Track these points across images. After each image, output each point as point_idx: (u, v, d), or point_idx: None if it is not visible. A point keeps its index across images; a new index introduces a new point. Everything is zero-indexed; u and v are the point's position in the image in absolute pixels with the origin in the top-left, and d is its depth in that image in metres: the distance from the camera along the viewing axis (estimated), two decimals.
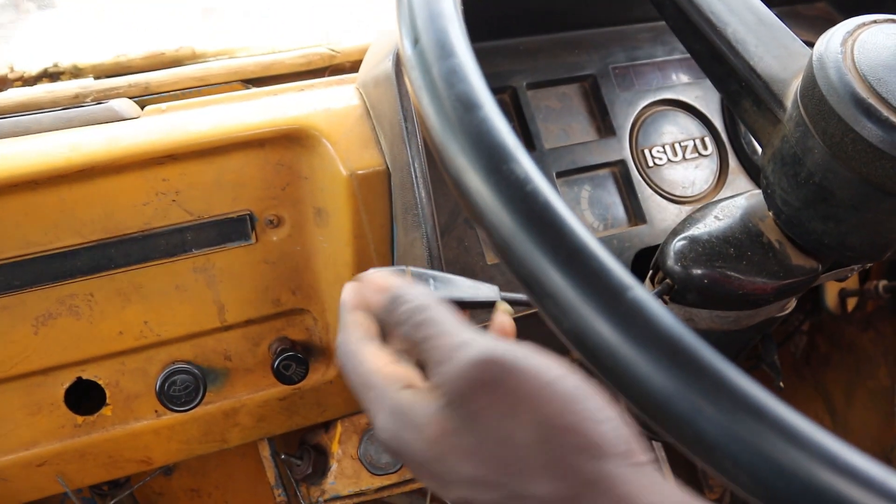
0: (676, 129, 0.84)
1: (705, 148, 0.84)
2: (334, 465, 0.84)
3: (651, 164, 0.81)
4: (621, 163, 0.80)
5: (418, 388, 0.38)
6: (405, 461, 0.39)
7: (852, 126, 0.50)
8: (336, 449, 0.85)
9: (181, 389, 0.71)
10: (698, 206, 0.86)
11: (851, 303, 1.10)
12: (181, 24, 1.03)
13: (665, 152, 0.82)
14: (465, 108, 0.39)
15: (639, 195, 0.79)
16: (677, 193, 0.82)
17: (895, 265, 1.09)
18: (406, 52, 0.44)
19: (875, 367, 1.23)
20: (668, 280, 0.66)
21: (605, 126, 0.82)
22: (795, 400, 1.37)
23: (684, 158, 0.83)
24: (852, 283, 1.10)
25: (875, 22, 0.57)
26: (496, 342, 0.36)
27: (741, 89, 0.64)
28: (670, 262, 0.64)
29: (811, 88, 0.53)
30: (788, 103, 0.59)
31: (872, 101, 0.50)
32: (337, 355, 0.42)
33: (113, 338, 0.72)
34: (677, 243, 0.65)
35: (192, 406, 0.71)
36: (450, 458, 0.36)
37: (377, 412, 0.39)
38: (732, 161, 0.85)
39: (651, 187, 0.80)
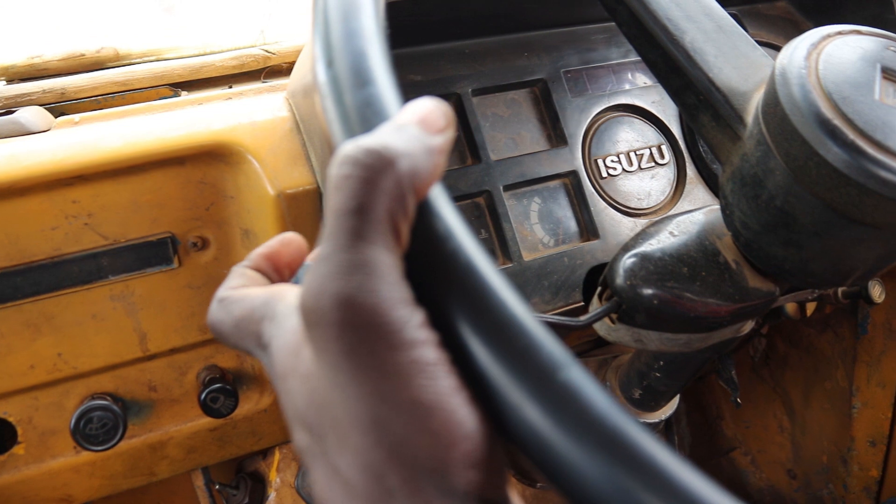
0: (632, 137, 0.80)
1: (662, 156, 0.80)
2: (272, 495, 0.79)
3: (605, 174, 0.77)
4: (573, 174, 0.75)
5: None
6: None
7: (816, 149, 0.46)
8: (274, 477, 0.80)
9: (98, 427, 0.65)
10: (654, 218, 0.82)
11: (811, 307, 1.07)
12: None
13: (619, 162, 0.78)
14: None
15: (591, 208, 0.75)
16: (632, 206, 0.78)
17: None
18: (319, 75, 0.38)
19: (833, 369, 1.22)
20: (615, 298, 0.62)
21: (556, 134, 0.77)
22: (754, 400, 1.35)
23: (640, 168, 0.79)
24: None
25: (840, 33, 0.53)
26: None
27: (699, 102, 0.60)
28: (619, 280, 0.61)
29: (773, 105, 0.49)
30: (749, 119, 0.56)
31: (838, 122, 0.46)
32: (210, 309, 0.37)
33: (23, 372, 0.66)
34: (627, 260, 0.61)
35: (110, 444, 0.66)
36: (289, 381, 0.31)
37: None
38: (690, 170, 0.81)
39: (604, 200, 0.76)
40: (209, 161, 0.65)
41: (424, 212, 0.32)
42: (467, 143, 0.73)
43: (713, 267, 0.61)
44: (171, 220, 0.66)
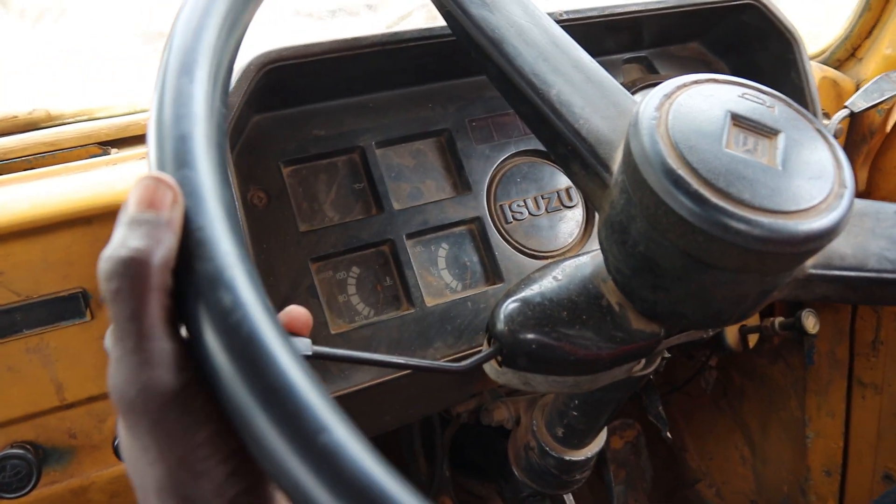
0: (539, 182, 0.82)
1: (570, 199, 0.83)
2: None
3: (511, 219, 0.79)
4: (477, 220, 0.78)
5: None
6: None
7: (663, 198, 0.48)
8: None
9: (11, 475, 0.68)
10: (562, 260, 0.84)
11: (753, 339, 1.09)
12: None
13: (526, 206, 0.80)
14: (187, 230, 0.37)
15: (496, 253, 0.77)
16: (540, 249, 0.80)
17: (793, 301, 1.08)
18: (150, 153, 0.42)
19: (787, 399, 1.22)
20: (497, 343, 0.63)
21: (461, 182, 0.80)
22: (716, 432, 1.36)
23: (547, 212, 0.81)
24: (753, 319, 1.09)
25: (696, 82, 0.55)
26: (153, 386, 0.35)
27: (568, 152, 0.61)
28: (500, 325, 0.62)
29: (628, 155, 0.51)
30: (615, 167, 0.57)
31: (682, 171, 0.47)
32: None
33: None
34: (509, 306, 0.62)
35: (24, 492, 0.69)
36: (124, 451, 0.38)
37: None
38: None
39: (510, 244, 0.78)
40: (115, 219, 0.68)
41: (216, 286, 0.35)
42: (372, 194, 0.76)
43: (595, 310, 0.62)
44: (82, 275, 0.70)
